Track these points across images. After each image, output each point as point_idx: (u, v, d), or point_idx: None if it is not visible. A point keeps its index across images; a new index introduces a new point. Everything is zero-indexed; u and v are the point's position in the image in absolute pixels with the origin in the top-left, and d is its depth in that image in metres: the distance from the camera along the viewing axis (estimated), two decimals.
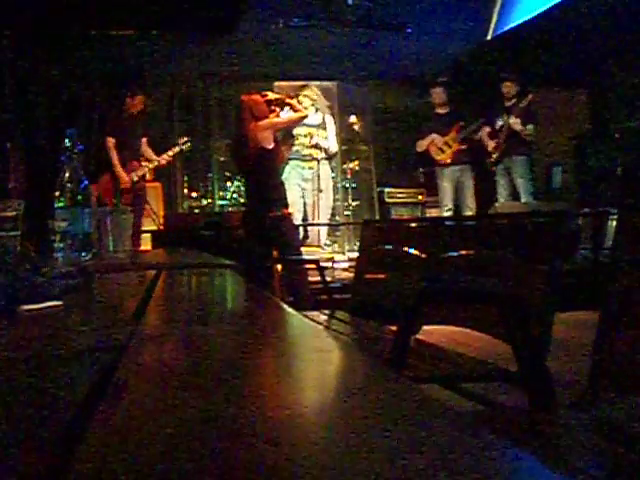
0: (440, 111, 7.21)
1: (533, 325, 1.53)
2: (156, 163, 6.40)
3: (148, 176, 7.49)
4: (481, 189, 7.21)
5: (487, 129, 6.94)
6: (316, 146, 7.00)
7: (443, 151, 7.13)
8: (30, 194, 6.24)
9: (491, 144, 6.89)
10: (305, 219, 7.19)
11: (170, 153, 6.46)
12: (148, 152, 6.39)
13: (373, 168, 8.53)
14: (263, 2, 6.48)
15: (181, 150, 6.58)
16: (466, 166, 7.10)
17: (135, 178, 6.10)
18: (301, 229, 6.82)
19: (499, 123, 6.83)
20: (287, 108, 4.96)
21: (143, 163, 6.25)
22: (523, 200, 6.71)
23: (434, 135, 7.14)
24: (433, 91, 7.24)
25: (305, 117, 5.13)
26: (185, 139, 6.62)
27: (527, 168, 6.79)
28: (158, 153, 6.46)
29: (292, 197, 7.15)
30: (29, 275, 0.95)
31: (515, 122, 6.63)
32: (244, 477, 0.30)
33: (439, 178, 7.24)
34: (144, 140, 6.37)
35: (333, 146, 7.16)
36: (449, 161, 7.10)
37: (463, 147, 7.05)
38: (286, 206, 4.63)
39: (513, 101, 6.74)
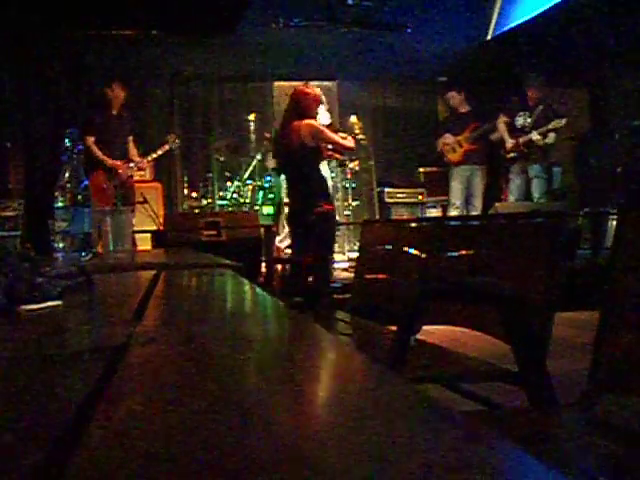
0: (461, 110, 7.22)
1: (533, 325, 1.54)
2: (139, 165, 6.35)
3: (148, 176, 7.49)
4: (489, 189, 7.22)
5: (504, 119, 6.88)
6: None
7: (455, 150, 7.15)
8: (30, 194, 6.24)
9: (509, 142, 6.84)
10: None
11: (159, 152, 6.41)
12: (133, 152, 6.34)
13: (373, 168, 8.54)
14: (263, 2, 6.48)
15: (171, 148, 6.52)
16: (477, 166, 7.10)
17: (124, 177, 6.06)
18: None
19: (519, 122, 6.78)
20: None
21: (131, 164, 6.21)
22: (535, 199, 6.70)
23: (447, 135, 7.17)
24: (449, 94, 7.26)
25: (351, 149, 4.97)
26: (174, 137, 6.57)
27: (543, 168, 6.78)
28: (149, 152, 6.41)
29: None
30: (29, 275, 0.95)
31: (538, 139, 6.62)
32: (244, 477, 0.30)
33: (450, 177, 7.26)
34: (130, 138, 6.31)
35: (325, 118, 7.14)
36: (459, 161, 7.11)
37: (474, 147, 7.05)
38: (329, 202, 4.52)
39: (540, 108, 6.68)
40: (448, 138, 7.18)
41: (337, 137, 4.69)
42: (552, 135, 6.65)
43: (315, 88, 4.70)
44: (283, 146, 4.54)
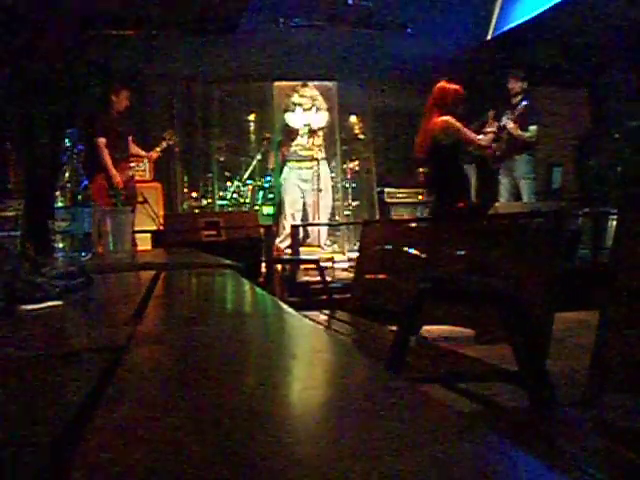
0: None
1: (533, 325, 1.53)
2: (147, 159, 6.35)
3: (148, 176, 7.49)
4: (482, 189, 7.20)
5: (496, 124, 6.85)
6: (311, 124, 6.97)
7: None
8: (30, 194, 6.24)
9: (490, 142, 6.82)
10: (305, 219, 7.20)
11: (158, 149, 6.41)
12: (136, 150, 6.35)
13: (373, 168, 8.54)
14: (263, 2, 6.48)
15: (168, 144, 6.51)
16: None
17: (127, 178, 6.07)
18: (301, 229, 6.83)
19: (502, 122, 6.76)
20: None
21: (132, 164, 6.21)
22: (524, 200, 6.67)
23: None
24: None
25: (485, 148, 4.92)
26: (171, 133, 6.56)
27: (529, 168, 6.72)
28: (147, 150, 6.42)
29: (292, 197, 7.17)
30: (29, 275, 0.95)
31: (512, 127, 6.58)
32: (244, 477, 0.30)
33: None
34: (129, 139, 6.32)
35: (322, 120, 7.10)
36: None
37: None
38: (465, 200, 4.40)
39: (518, 98, 6.66)
40: None
41: (472, 135, 4.64)
42: (532, 129, 6.60)
43: (455, 84, 4.59)
44: (421, 143, 4.53)
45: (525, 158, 6.69)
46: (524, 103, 6.52)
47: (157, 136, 6.74)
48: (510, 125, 6.57)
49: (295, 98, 7.52)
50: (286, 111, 7.55)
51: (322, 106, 7.28)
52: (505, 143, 6.69)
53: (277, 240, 6.96)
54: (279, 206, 7.51)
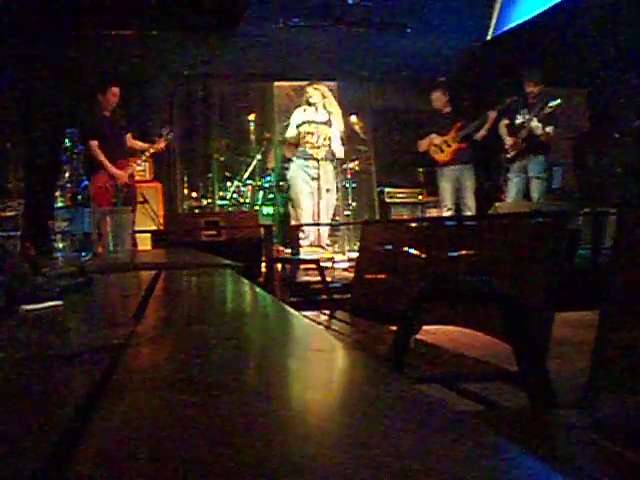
0: (445, 110, 7.19)
1: (533, 325, 1.53)
2: (152, 151, 6.30)
3: (148, 176, 7.49)
4: (484, 189, 7.20)
5: (506, 122, 6.83)
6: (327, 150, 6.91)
7: (442, 150, 7.11)
8: (30, 194, 6.24)
9: (509, 141, 6.81)
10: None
11: (157, 147, 6.38)
12: (138, 145, 6.31)
13: (373, 168, 8.53)
14: (263, 2, 6.48)
15: (167, 141, 6.47)
16: (466, 165, 7.06)
17: (126, 179, 6.04)
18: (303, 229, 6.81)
19: (518, 120, 6.74)
20: None
21: (131, 163, 6.19)
22: (534, 199, 6.65)
23: (433, 135, 7.13)
24: (434, 95, 7.23)
25: None
26: (168, 130, 6.52)
27: (543, 168, 6.72)
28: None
29: (304, 196, 7.10)
30: (29, 275, 0.95)
31: (537, 126, 6.55)
32: (244, 476, 0.30)
33: (439, 178, 7.22)
34: (129, 136, 6.29)
35: (339, 151, 7.05)
36: (448, 160, 7.08)
37: (462, 146, 7.03)
38: None
39: (536, 101, 6.65)
40: (436, 138, 7.14)
41: None
42: (550, 129, 6.59)
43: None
44: None
45: (540, 159, 6.67)
46: (557, 102, 6.47)
47: (156, 136, 6.73)
48: (534, 124, 6.52)
49: (306, 97, 7.39)
50: (297, 107, 7.44)
51: (331, 107, 7.16)
52: (523, 142, 6.66)
53: (301, 241, 6.80)
54: (285, 205, 7.45)
